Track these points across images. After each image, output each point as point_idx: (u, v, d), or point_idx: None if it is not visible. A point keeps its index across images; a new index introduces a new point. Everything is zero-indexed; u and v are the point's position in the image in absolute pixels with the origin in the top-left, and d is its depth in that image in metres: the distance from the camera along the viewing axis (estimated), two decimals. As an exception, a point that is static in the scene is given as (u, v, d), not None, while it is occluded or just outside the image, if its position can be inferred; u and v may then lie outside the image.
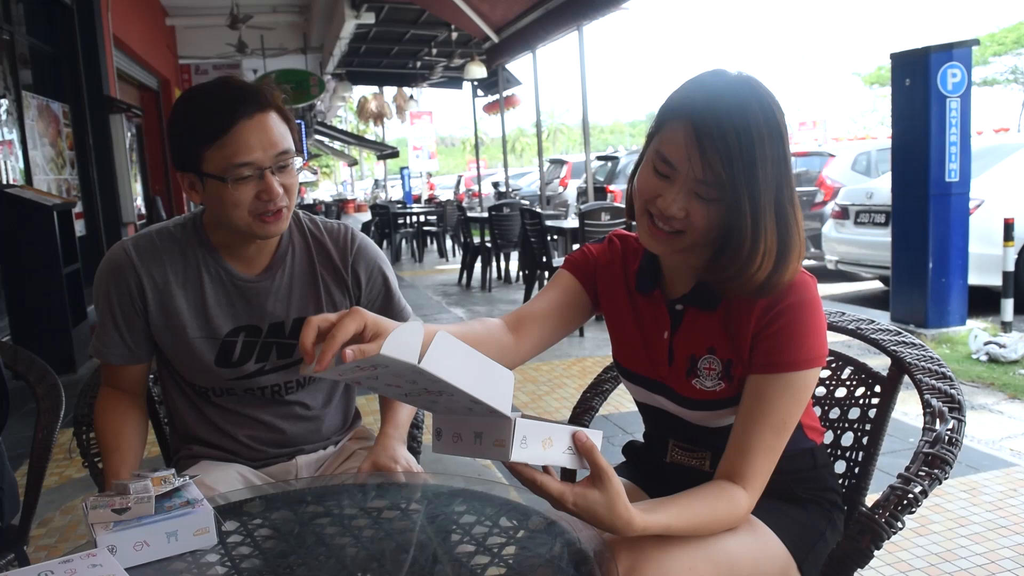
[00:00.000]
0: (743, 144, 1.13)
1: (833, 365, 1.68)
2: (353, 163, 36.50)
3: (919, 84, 5.48)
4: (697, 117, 1.15)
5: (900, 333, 1.61)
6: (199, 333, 1.61)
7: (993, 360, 4.88)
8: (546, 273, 6.97)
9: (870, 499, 1.40)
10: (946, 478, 1.29)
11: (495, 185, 18.46)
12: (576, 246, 6.22)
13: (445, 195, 21.72)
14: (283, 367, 1.66)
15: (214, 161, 1.46)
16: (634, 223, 1.33)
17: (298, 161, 1.57)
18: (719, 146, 1.13)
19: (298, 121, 17.44)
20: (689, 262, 1.32)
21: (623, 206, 6.54)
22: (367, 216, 14.61)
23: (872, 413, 1.58)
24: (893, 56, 5.74)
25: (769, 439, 1.24)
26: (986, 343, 5.01)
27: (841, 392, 1.65)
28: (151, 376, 1.92)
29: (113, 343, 1.62)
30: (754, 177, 1.14)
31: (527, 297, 7.34)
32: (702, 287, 1.31)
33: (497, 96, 12.43)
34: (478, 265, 9.64)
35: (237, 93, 1.47)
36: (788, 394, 1.24)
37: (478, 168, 15.33)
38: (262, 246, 1.63)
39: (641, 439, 1.57)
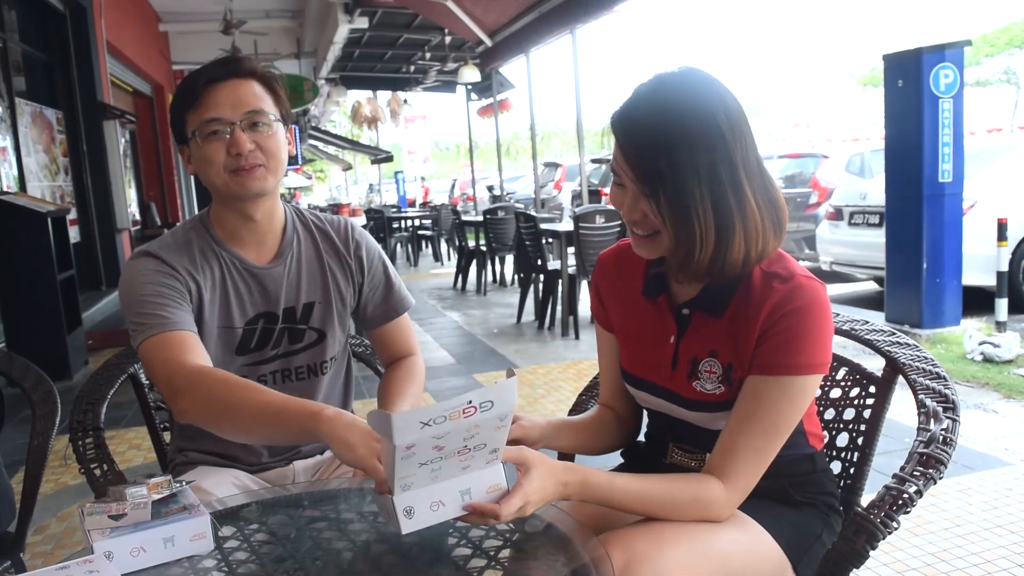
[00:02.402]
0: (658, 142, 1.19)
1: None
2: (347, 168, 36.42)
3: (912, 85, 5.49)
4: (617, 127, 1.24)
5: (894, 334, 1.62)
6: (222, 323, 1.62)
7: (988, 360, 4.89)
8: (541, 276, 6.98)
9: (865, 499, 1.40)
10: (941, 478, 1.29)
11: (489, 189, 18.45)
12: (571, 249, 6.24)
13: (440, 199, 21.70)
14: (292, 352, 1.68)
15: (192, 123, 1.54)
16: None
17: (280, 129, 1.58)
18: (634, 147, 1.22)
19: (291, 126, 17.45)
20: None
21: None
22: (362, 220, 14.61)
23: (867, 414, 1.59)
24: (885, 57, 5.76)
25: (758, 440, 1.24)
26: (981, 343, 5.02)
27: (836, 393, 1.65)
28: (147, 383, 1.93)
29: (164, 316, 1.48)
30: (675, 169, 1.18)
31: (522, 300, 7.34)
32: (708, 292, 1.32)
33: (491, 100, 12.44)
34: (473, 269, 9.65)
35: (217, 63, 1.56)
36: (784, 398, 1.24)
37: (472, 172, 15.30)
38: (266, 232, 1.65)
39: (642, 439, 1.58)
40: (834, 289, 8.25)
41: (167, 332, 1.46)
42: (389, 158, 24.57)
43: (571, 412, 1.87)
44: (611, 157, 1.28)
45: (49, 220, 5.56)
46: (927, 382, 1.46)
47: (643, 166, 1.20)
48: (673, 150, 1.18)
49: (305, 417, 1.27)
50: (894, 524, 1.24)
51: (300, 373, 1.70)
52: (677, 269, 1.28)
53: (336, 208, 23.10)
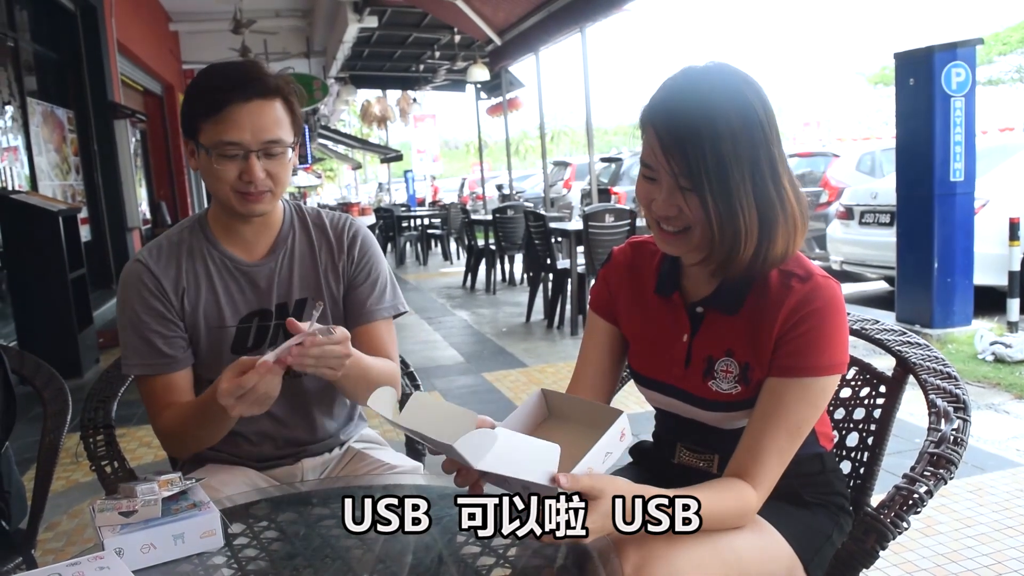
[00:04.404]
0: (702, 134, 1.16)
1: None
2: (357, 167, 36.46)
3: (923, 84, 5.47)
4: (657, 119, 1.20)
5: (905, 333, 1.61)
6: (215, 323, 1.63)
7: (999, 360, 4.87)
8: (550, 275, 6.97)
9: (875, 499, 1.40)
10: (951, 478, 1.29)
11: (499, 188, 18.45)
12: (581, 248, 6.23)
13: (449, 198, 21.71)
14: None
15: (207, 134, 1.52)
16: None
17: (290, 154, 1.58)
18: (677, 140, 1.17)
19: (299, 138, 17.45)
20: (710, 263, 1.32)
21: (627, 208, 6.55)
22: (371, 219, 14.64)
23: (877, 413, 1.58)
24: (897, 56, 5.74)
25: (782, 441, 1.24)
26: (992, 343, 4.99)
27: (846, 392, 1.65)
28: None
29: (150, 352, 1.59)
30: (720, 163, 1.16)
31: (532, 299, 7.34)
32: (724, 289, 1.31)
33: (500, 99, 12.43)
34: (482, 268, 9.66)
35: (243, 75, 1.52)
36: (806, 399, 1.24)
37: (482, 171, 15.29)
38: (261, 231, 1.66)
39: (649, 438, 1.57)
40: (845, 288, 8.16)
41: (163, 376, 1.60)
42: (398, 157, 24.58)
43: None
44: (643, 151, 1.25)
45: (60, 219, 5.59)
46: (938, 382, 1.46)
47: (688, 159, 1.17)
48: (718, 142, 1.16)
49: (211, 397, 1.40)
50: (904, 524, 1.24)
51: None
52: (720, 266, 1.24)
53: (346, 207, 23.19)
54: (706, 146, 1.16)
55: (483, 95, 13.81)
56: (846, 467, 1.58)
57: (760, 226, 1.20)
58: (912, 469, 1.29)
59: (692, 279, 1.37)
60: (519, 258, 9.43)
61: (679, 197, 1.21)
